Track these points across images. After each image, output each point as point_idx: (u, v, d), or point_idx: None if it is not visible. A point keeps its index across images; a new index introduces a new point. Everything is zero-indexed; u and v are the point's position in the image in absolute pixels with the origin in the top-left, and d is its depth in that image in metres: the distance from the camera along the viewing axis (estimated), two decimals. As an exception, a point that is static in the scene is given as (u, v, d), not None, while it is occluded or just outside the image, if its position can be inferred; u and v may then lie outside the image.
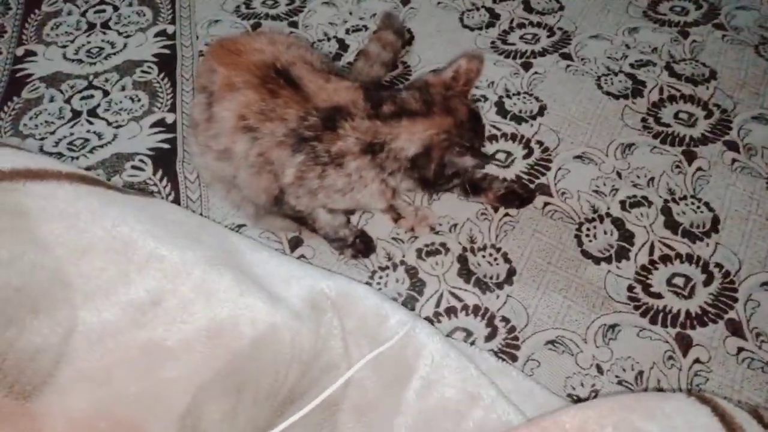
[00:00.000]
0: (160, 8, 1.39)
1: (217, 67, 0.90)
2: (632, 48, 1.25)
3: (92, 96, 1.24)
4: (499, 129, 1.14)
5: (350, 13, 1.35)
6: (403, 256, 0.99)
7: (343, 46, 1.29)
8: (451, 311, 0.93)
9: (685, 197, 1.04)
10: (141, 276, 0.62)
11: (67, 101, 1.23)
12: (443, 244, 1.00)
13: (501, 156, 1.10)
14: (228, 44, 0.93)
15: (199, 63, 1.26)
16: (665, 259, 0.98)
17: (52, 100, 1.23)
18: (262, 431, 0.62)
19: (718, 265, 0.97)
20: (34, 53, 1.32)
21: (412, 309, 0.93)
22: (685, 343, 0.89)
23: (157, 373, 0.59)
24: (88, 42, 1.33)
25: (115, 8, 1.40)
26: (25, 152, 0.68)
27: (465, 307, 0.93)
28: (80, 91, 1.24)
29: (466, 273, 0.97)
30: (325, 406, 0.66)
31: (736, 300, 0.93)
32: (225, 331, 0.63)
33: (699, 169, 1.07)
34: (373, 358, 0.71)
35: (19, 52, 1.31)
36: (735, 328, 0.90)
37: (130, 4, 1.40)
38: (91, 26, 1.36)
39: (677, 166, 1.08)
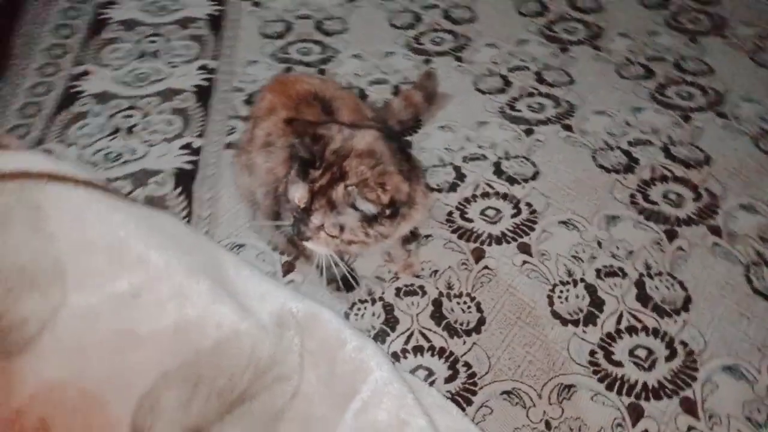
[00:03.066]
0: (206, 45, 1.54)
1: (266, 94, 1.04)
2: (633, 126, 1.32)
3: (132, 116, 1.37)
4: (492, 187, 1.21)
5: (375, 67, 1.46)
6: (383, 293, 1.05)
7: (362, 95, 1.39)
8: (418, 350, 0.99)
9: (660, 273, 1.08)
10: (128, 273, 0.70)
11: (110, 118, 1.36)
12: (422, 287, 1.06)
13: (490, 212, 1.17)
14: (282, 77, 1.06)
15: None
16: (631, 330, 1.01)
17: (97, 115, 1.37)
18: (210, 423, 0.69)
19: (683, 343, 1.00)
20: (89, 73, 1.47)
21: (383, 342, 0.99)
22: (636, 414, 0.92)
23: (127, 355, 0.67)
24: (138, 68, 1.48)
25: (168, 40, 1.55)
26: (54, 159, 0.79)
27: (432, 348, 0.99)
28: (123, 111, 1.38)
29: (438, 316, 1.03)
30: (271, 414, 0.73)
31: (695, 379, 0.96)
32: (191, 329, 0.71)
33: (679, 248, 1.11)
34: (326, 377, 0.77)
35: (78, 70, 1.47)
36: (689, 407, 0.93)
37: (180, 39, 1.55)
38: (143, 54, 1.51)
39: (657, 243, 1.12)
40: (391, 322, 1.02)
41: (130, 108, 1.39)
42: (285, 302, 0.83)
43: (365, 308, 1.04)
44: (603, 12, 1.61)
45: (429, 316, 1.03)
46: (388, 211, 0.82)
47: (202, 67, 1.48)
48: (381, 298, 1.05)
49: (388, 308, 1.04)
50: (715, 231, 1.13)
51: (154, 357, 0.68)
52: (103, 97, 1.41)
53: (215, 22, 1.59)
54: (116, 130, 1.33)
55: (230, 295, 0.77)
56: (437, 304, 1.04)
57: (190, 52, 1.52)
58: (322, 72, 1.45)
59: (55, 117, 1.35)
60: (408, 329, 1.01)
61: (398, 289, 1.06)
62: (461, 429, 0.79)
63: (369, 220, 0.82)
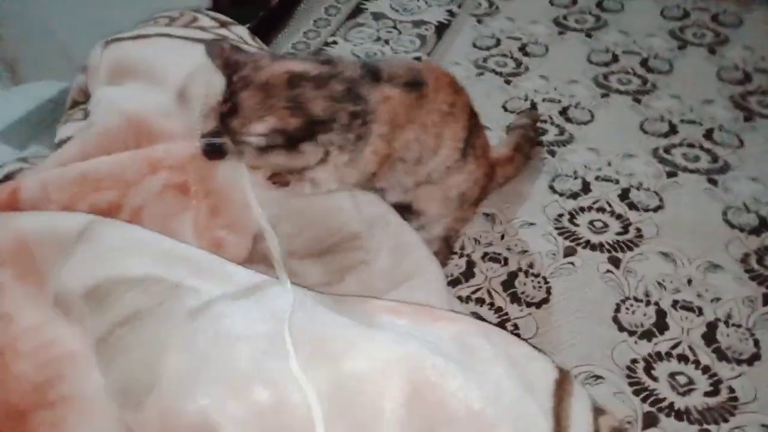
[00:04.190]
0: (426, 43, 1.86)
1: None
2: (784, 199, 1.30)
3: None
4: (610, 206, 1.31)
5: (554, 89, 1.64)
6: (472, 252, 1.24)
7: (533, 106, 1.58)
8: (479, 301, 1.15)
9: (739, 326, 1.08)
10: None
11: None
12: (506, 258, 1.22)
13: (598, 224, 1.27)
14: None
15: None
16: (683, 358, 1.05)
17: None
18: (302, 257, 0.97)
19: (731, 389, 1.00)
20: (337, 43, 1.90)
21: (454, 287, 1.18)
22: (650, 422, 0.97)
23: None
24: (371, 49, 1.86)
25: (400, 33, 1.91)
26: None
27: (491, 305, 1.15)
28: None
29: (509, 285, 1.18)
30: (342, 267, 0.98)
31: (726, 421, 0.97)
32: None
33: (772, 312, 1.10)
34: (393, 265, 1.00)
35: (330, 39, 1.91)
36: (707, 438, 0.95)
37: (410, 35, 1.90)
38: (378, 39, 1.89)
39: (750, 301, 1.12)
40: (467, 275, 1.20)
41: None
42: (385, 213, 1.08)
43: (453, 258, 1.23)
44: (812, 94, 1.56)
45: (500, 282, 1.18)
46: (277, 140, 0.88)
47: (416, 59, 1.81)
48: (468, 255, 1.24)
49: (471, 264, 1.22)
50: (824, 312, 1.09)
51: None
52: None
53: (441, 28, 1.91)
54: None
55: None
56: (513, 275, 1.19)
57: (413, 46, 1.86)
58: (507, 83, 1.67)
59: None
60: (479, 285, 1.18)
61: (486, 254, 1.24)
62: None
63: (262, 150, 0.89)
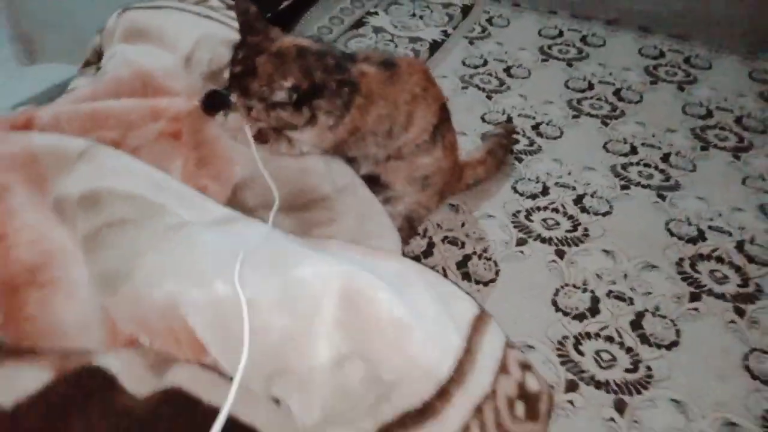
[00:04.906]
0: (419, 54, 2.02)
1: None
2: (723, 217, 1.41)
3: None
4: (564, 208, 1.43)
5: (531, 107, 1.78)
6: (433, 234, 1.36)
7: (509, 120, 1.72)
8: (434, 275, 1.27)
9: (664, 317, 1.19)
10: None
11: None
12: (463, 243, 1.34)
13: (550, 222, 1.40)
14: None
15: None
16: (609, 339, 1.16)
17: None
18: (278, 211, 1.08)
19: (648, 368, 1.11)
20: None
21: (413, 261, 1.29)
22: (571, 388, 1.07)
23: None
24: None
25: (396, 46, 2.07)
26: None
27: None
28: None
29: (462, 265, 1.29)
30: (311, 223, 1.09)
31: (640, 393, 1.07)
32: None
33: (695, 309, 1.21)
34: (356, 227, 1.11)
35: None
36: (620, 406, 1.05)
37: (405, 48, 2.06)
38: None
39: (678, 297, 1.23)
40: (426, 254, 1.32)
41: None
42: (355, 184, 1.20)
43: (415, 240, 1.35)
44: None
45: (455, 262, 1.30)
46: (293, 97, 1.02)
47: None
48: (430, 238, 1.35)
49: (430, 245, 1.34)
50: (740, 312, 1.20)
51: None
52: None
53: (435, 46, 2.07)
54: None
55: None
56: (467, 257, 1.31)
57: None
58: (489, 98, 1.82)
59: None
60: (435, 263, 1.30)
61: (446, 237, 1.35)
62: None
63: (273, 105, 1.03)
